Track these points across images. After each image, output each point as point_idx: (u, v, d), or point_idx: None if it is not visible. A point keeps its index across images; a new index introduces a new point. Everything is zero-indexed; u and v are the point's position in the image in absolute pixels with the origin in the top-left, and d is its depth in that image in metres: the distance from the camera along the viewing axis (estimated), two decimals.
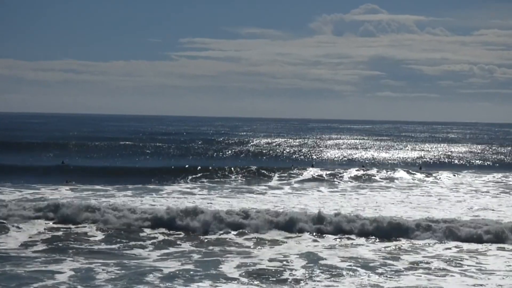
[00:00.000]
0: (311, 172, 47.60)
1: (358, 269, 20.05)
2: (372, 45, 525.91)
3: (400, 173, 48.47)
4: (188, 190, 39.26)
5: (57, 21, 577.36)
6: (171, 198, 35.30)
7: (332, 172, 47.61)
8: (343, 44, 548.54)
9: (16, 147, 68.62)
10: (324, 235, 25.19)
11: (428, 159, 68.33)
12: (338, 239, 24.73)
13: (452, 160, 67.99)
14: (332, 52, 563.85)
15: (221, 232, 25.34)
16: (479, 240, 24.54)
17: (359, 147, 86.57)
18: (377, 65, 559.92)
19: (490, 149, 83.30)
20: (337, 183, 44.07)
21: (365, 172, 48.11)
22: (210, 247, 22.98)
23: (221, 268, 19.86)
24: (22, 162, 51.52)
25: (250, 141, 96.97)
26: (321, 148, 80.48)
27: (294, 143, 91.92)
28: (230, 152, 71.18)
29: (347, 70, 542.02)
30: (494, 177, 47.86)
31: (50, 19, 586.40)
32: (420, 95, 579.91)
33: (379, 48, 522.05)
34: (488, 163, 65.70)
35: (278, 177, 45.65)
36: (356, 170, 48.86)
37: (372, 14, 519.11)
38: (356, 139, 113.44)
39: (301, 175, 46.25)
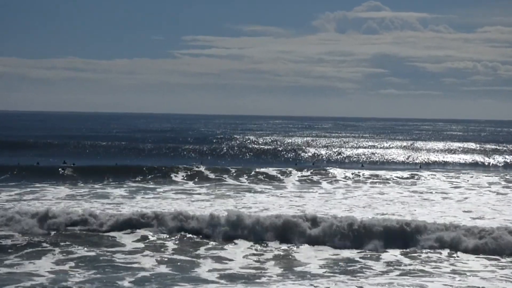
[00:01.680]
0: (310, 171, 47.22)
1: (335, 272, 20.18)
2: (376, 43, 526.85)
3: (397, 173, 48.03)
4: (186, 189, 39.17)
5: (60, 19, 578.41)
6: (168, 199, 35.16)
7: (330, 171, 47.24)
8: (346, 42, 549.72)
9: (17, 147, 68.71)
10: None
11: (428, 158, 68.01)
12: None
13: (453, 159, 67.64)
14: (335, 50, 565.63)
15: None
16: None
17: (359, 145, 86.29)
18: (380, 63, 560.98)
19: (493, 148, 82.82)
20: (333, 183, 43.54)
21: (361, 172, 47.55)
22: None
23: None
24: (23, 161, 51.33)
25: (252, 139, 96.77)
26: (322, 147, 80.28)
27: (296, 141, 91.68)
28: (230, 151, 71.02)
29: (350, 67, 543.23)
30: (493, 176, 47.23)
31: (53, 17, 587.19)
32: (423, 93, 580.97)
33: (382, 45, 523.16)
34: (491, 162, 65.26)
35: (276, 176, 45.15)
36: (354, 170, 48.60)
37: (375, 12, 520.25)
38: (358, 137, 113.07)
39: (300, 174, 45.72)
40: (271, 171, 46.56)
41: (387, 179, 45.07)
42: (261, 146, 78.07)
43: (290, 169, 47.82)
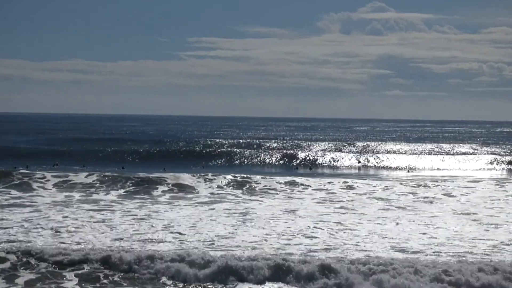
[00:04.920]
0: (303, 177, 46.29)
1: None
2: (380, 44, 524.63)
3: (391, 180, 47.31)
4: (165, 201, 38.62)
5: (65, 21, 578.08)
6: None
7: (323, 177, 46.51)
8: (351, 43, 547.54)
9: (16, 150, 68.91)
10: None
11: (423, 161, 67.16)
12: None
13: (450, 162, 66.77)
14: (340, 51, 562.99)
15: None
16: None
17: (358, 147, 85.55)
18: (385, 64, 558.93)
19: (496, 150, 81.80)
20: (317, 190, 41.46)
21: (349, 180, 45.01)
22: None
23: None
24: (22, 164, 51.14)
25: (253, 142, 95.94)
26: (321, 150, 79.64)
27: (298, 144, 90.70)
28: (227, 154, 70.49)
29: (355, 69, 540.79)
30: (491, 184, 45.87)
31: (58, 19, 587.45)
32: (429, 94, 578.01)
33: (387, 46, 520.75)
34: (492, 166, 64.18)
35: (265, 184, 43.68)
36: (342, 179, 46.73)
37: (379, 13, 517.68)
38: (358, 139, 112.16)
39: (290, 182, 43.74)
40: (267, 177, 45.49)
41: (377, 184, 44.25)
42: (262, 149, 77.51)
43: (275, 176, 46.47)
